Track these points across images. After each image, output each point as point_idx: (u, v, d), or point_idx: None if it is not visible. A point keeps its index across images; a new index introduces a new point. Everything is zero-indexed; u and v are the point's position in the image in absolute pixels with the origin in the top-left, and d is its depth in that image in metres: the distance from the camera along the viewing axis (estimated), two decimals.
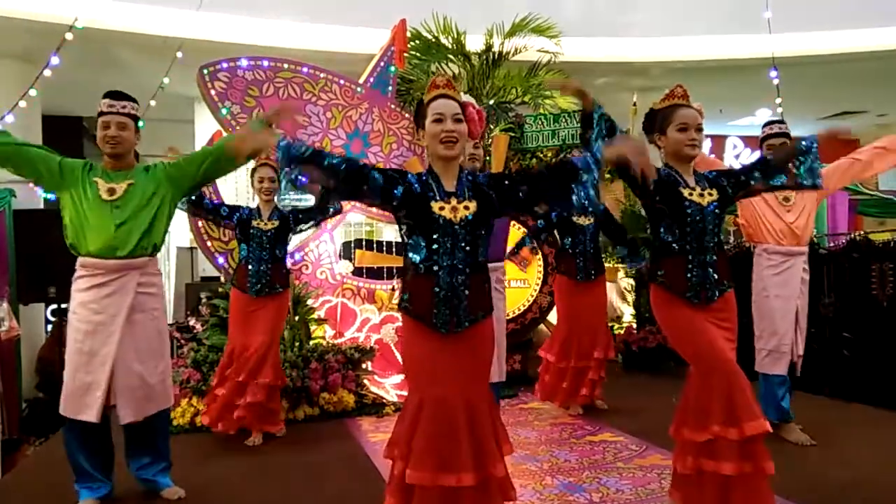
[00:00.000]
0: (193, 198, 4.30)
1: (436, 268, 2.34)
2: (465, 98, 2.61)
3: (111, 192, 3.15)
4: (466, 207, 2.36)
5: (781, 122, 4.22)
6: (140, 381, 3.13)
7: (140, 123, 3.31)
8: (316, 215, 4.67)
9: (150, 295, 3.22)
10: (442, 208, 2.35)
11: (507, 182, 2.44)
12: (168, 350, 3.41)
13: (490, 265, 3.63)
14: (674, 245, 2.77)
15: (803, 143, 2.82)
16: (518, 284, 6.55)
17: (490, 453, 2.30)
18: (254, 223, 4.49)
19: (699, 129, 2.82)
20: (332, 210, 4.70)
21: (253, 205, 4.70)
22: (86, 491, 3.20)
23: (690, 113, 2.81)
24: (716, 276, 2.76)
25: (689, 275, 2.74)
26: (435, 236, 2.34)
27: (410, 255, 2.39)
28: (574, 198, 2.35)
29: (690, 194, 2.78)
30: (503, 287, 3.99)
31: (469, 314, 2.37)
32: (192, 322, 5.73)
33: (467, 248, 2.36)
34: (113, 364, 3.05)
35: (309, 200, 4.73)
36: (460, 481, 2.20)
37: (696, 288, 2.74)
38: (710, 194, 2.81)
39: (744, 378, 2.64)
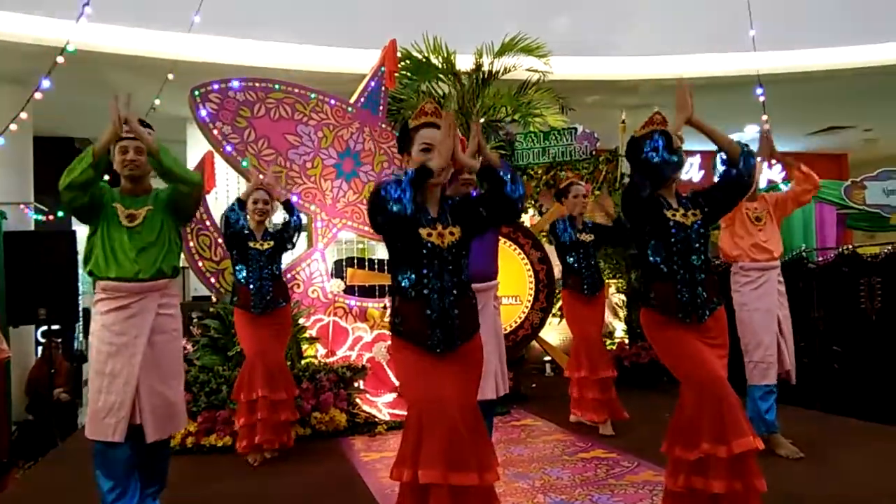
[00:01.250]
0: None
1: (426, 291, 2.41)
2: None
3: (131, 218, 3.20)
4: (452, 233, 2.45)
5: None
6: (162, 400, 3.19)
7: None
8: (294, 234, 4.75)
9: (169, 316, 3.28)
10: (430, 234, 2.41)
11: (470, 205, 2.54)
12: (183, 370, 3.46)
13: (485, 284, 3.68)
14: (662, 266, 2.80)
15: (745, 148, 2.86)
16: (510, 301, 6.56)
17: (486, 457, 2.37)
18: (251, 244, 4.52)
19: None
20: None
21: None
22: None
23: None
24: (705, 295, 2.78)
25: (678, 295, 2.76)
26: (424, 261, 2.40)
27: (400, 279, 2.45)
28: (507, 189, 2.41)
29: (674, 215, 2.82)
30: (498, 304, 4.00)
31: (461, 333, 2.45)
32: (183, 342, 5.70)
33: (455, 271, 2.44)
34: (137, 384, 3.10)
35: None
36: (467, 480, 2.26)
37: (686, 308, 2.76)
38: (694, 214, 2.84)
39: (734, 396, 2.65)
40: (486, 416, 3.53)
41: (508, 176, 2.42)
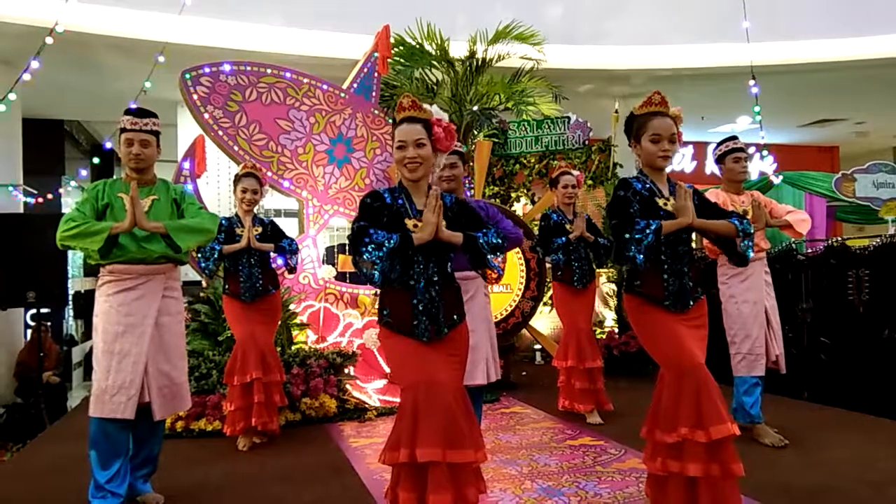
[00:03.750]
0: (213, 267, 4.43)
1: (412, 282, 2.50)
2: (436, 113, 2.66)
3: None
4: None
5: (735, 138, 4.40)
6: (169, 380, 3.27)
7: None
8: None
9: (174, 299, 3.36)
10: (416, 226, 2.48)
11: (456, 212, 2.64)
12: (186, 351, 3.51)
13: (475, 272, 3.70)
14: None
15: (743, 226, 2.80)
16: (500, 290, 6.58)
17: (477, 438, 2.45)
18: (238, 231, 4.52)
19: (672, 140, 2.81)
20: None
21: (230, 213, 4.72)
22: (100, 501, 3.16)
23: (664, 123, 2.79)
24: (690, 284, 2.81)
25: (665, 284, 2.78)
26: (410, 252, 2.46)
27: (386, 270, 2.50)
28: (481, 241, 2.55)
29: (665, 204, 2.81)
30: (488, 291, 4.02)
31: (447, 321, 2.54)
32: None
33: (440, 262, 2.54)
34: (146, 364, 3.16)
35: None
36: (465, 457, 2.33)
37: (673, 296, 2.78)
38: None
39: (713, 382, 2.67)
40: (475, 402, 3.57)
41: (486, 248, 2.54)
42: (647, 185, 2.85)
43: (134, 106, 3.41)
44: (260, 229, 4.59)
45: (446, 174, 3.68)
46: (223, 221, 4.56)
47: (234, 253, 4.48)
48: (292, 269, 4.81)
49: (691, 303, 2.80)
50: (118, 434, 3.15)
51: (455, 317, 2.57)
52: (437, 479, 2.29)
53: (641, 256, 2.66)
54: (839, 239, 5.92)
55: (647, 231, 2.66)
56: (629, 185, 2.84)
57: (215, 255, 4.40)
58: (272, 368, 4.47)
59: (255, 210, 4.67)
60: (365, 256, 2.37)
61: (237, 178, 4.66)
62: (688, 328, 2.77)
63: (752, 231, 2.85)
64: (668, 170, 2.96)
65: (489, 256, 2.55)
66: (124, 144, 3.25)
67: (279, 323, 4.86)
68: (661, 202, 2.80)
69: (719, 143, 4.43)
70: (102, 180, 3.37)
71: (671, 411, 2.65)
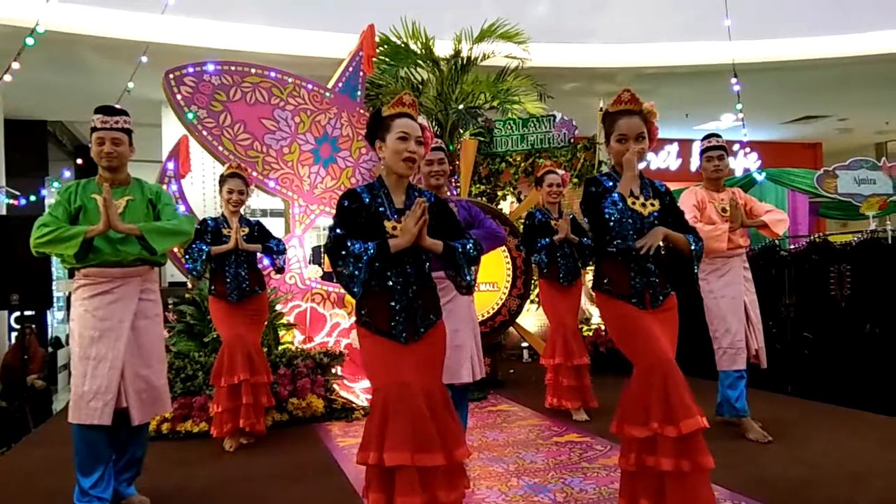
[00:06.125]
0: (201, 268, 4.37)
1: (390, 283, 2.49)
2: (422, 121, 2.70)
3: None
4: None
5: (717, 135, 4.47)
6: (147, 383, 3.22)
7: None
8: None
9: (151, 301, 3.31)
10: (395, 227, 2.48)
11: (435, 212, 2.61)
12: (165, 354, 3.48)
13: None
14: (617, 254, 2.80)
15: (696, 249, 2.83)
16: (487, 288, 6.59)
17: (452, 436, 2.42)
18: (225, 232, 4.50)
19: (640, 139, 2.78)
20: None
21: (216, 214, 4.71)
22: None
23: (631, 123, 2.77)
24: (657, 282, 2.79)
25: (632, 282, 2.79)
26: (388, 254, 2.44)
27: (366, 279, 2.48)
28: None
29: (633, 203, 2.79)
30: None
31: (424, 322, 2.54)
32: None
33: (417, 263, 2.53)
34: (122, 368, 3.12)
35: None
36: (434, 461, 2.31)
37: (640, 294, 2.78)
38: (653, 204, 2.82)
39: (681, 376, 2.67)
40: (461, 400, 3.58)
41: (462, 260, 2.55)
42: (617, 184, 2.83)
43: (106, 105, 3.32)
44: (247, 230, 4.57)
45: (435, 169, 3.70)
46: (210, 222, 4.56)
47: (220, 253, 4.46)
48: (280, 270, 4.80)
49: (661, 298, 2.80)
50: (98, 440, 3.12)
51: (432, 316, 2.57)
52: (405, 482, 2.28)
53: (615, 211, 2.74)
54: (821, 235, 5.98)
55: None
56: (599, 182, 2.86)
57: (203, 257, 4.36)
58: (259, 369, 4.46)
59: (241, 210, 4.66)
60: (345, 271, 2.39)
61: (223, 179, 4.64)
62: (657, 323, 2.76)
63: (701, 255, 2.87)
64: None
65: (464, 269, 2.56)
66: (95, 143, 3.20)
67: (266, 323, 4.85)
68: (629, 201, 2.78)
69: (703, 138, 4.52)
70: (75, 181, 3.33)
71: (641, 406, 2.66)
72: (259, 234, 4.67)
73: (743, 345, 4.28)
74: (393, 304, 2.48)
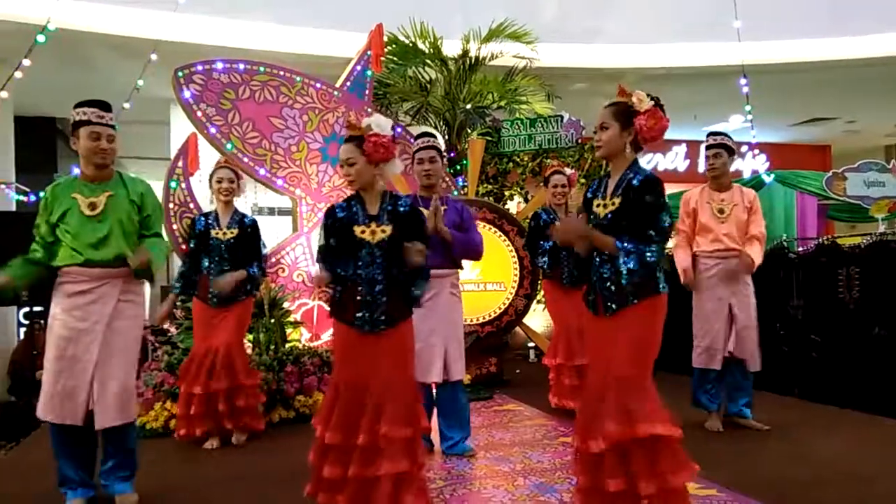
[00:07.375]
0: (185, 282, 4.39)
1: (358, 280, 2.84)
2: (374, 125, 2.92)
3: (92, 206, 3.13)
4: (384, 231, 2.87)
5: (721, 133, 4.51)
6: (119, 386, 3.13)
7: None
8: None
9: (130, 303, 3.23)
10: (363, 231, 2.87)
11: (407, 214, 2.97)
12: (138, 358, 3.38)
13: (443, 271, 3.78)
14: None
15: (624, 260, 2.58)
16: (494, 287, 6.59)
17: (409, 416, 2.77)
18: (212, 233, 4.40)
19: (603, 128, 2.68)
20: None
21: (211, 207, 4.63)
22: (71, 492, 3.18)
23: (600, 113, 2.72)
24: (613, 289, 2.60)
25: (588, 290, 2.74)
26: (359, 253, 2.85)
27: (338, 269, 2.87)
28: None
29: (597, 206, 2.71)
30: (459, 292, 4.04)
31: (387, 319, 2.84)
32: (166, 325, 5.69)
33: (384, 263, 2.86)
34: (94, 370, 3.07)
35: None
36: (358, 440, 2.72)
37: (592, 304, 2.72)
38: (613, 203, 2.64)
39: (637, 383, 2.56)
40: (430, 398, 3.86)
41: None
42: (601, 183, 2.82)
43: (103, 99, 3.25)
44: (236, 231, 4.42)
45: (426, 168, 3.70)
46: (199, 223, 4.45)
47: (207, 253, 4.38)
48: (263, 274, 4.68)
49: (614, 307, 2.61)
50: (73, 438, 3.12)
51: (396, 317, 2.86)
52: (336, 458, 2.75)
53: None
54: (830, 237, 5.96)
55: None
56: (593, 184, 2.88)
57: (178, 285, 4.39)
58: (238, 374, 4.33)
59: (245, 206, 4.56)
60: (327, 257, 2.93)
61: (211, 174, 4.55)
62: (610, 332, 2.62)
63: (631, 268, 2.55)
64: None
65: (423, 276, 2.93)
66: (89, 138, 3.08)
67: (246, 329, 4.71)
68: (594, 203, 2.74)
69: (707, 135, 4.59)
70: (51, 186, 3.20)
71: (597, 416, 2.58)
72: (250, 237, 4.47)
73: (721, 346, 4.36)
74: (358, 298, 2.82)
